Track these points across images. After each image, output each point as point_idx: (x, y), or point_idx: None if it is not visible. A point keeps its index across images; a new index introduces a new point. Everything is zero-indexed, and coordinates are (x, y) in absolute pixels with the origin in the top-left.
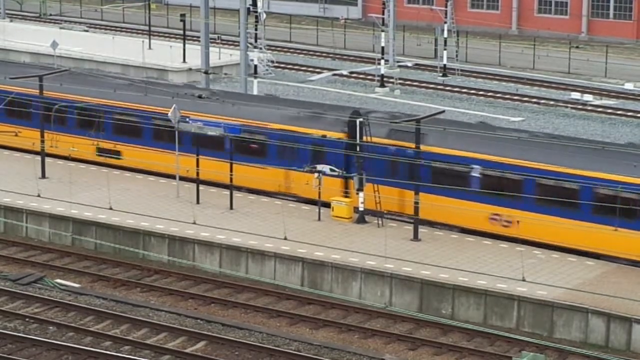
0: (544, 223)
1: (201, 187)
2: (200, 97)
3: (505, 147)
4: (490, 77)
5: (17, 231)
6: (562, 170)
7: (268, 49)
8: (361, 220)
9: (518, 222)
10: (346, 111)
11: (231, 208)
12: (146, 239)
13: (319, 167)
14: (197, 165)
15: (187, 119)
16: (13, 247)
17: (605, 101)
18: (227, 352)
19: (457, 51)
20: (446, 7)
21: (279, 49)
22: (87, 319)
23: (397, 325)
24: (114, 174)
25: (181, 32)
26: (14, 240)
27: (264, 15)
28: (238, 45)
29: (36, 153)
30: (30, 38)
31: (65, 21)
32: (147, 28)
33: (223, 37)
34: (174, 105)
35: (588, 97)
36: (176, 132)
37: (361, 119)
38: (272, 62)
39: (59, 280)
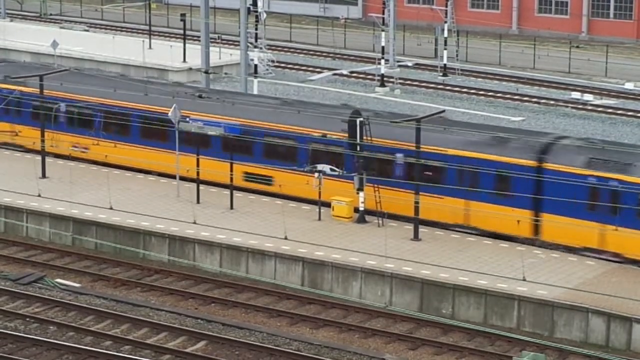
0: None
1: (201, 187)
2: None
3: None
4: (491, 76)
5: (17, 231)
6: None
7: (268, 49)
8: (361, 219)
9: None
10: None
11: (231, 208)
12: (146, 239)
13: (319, 166)
14: (197, 165)
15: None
16: (13, 246)
17: (606, 101)
18: (227, 352)
19: (457, 51)
20: (446, 6)
21: (279, 48)
22: (87, 319)
23: (397, 325)
24: (114, 174)
25: (181, 31)
26: (14, 239)
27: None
28: (238, 45)
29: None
30: (30, 38)
31: (66, 21)
32: (147, 28)
33: (223, 36)
34: (174, 105)
35: (588, 97)
36: (176, 132)
37: (361, 119)
38: (273, 61)
39: (59, 280)
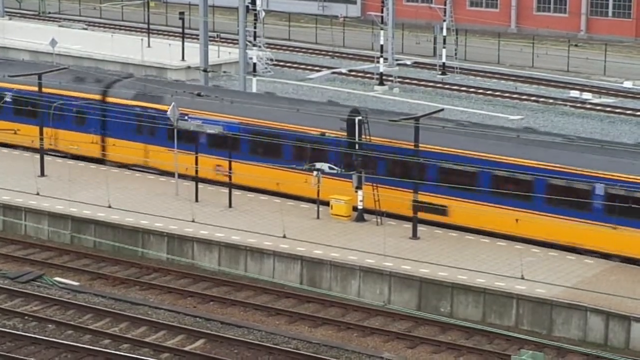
0: None
1: (200, 185)
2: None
3: None
4: (489, 75)
5: (16, 229)
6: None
7: (267, 47)
8: (360, 218)
9: None
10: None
11: (230, 206)
12: (145, 237)
13: (318, 165)
14: (196, 163)
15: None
16: (12, 245)
17: (604, 99)
18: (226, 350)
19: (456, 49)
20: (445, 5)
21: (278, 47)
22: (86, 317)
23: (395, 323)
24: (112, 172)
25: (180, 30)
26: (12, 238)
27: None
28: (237, 43)
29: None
30: (29, 36)
31: (64, 19)
32: (146, 26)
33: (222, 35)
34: (172, 104)
35: (587, 96)
36: (175, 131)
37: (360, 117)
38: (271, 60)
39: (58, 278)
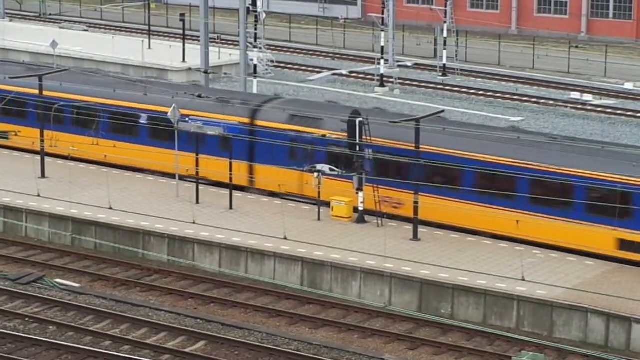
0: None
1: (201, 187)
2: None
3: None
4: (490, 76)
5: (16, 231)
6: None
7: (268, 49)
8: (361, 220)
9: None
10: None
11: (231, 208)
12: (146, 239)
13: (319, 166)
14: (197, 165)
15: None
16: (13, 246)
17: (605, 101)
18: (226, 352)
19: (456, 51)
20: (446, 6)
21: (278, 48)
22: (86, 319)
23: (396, 325)
24: (113, 174)
25: (181, 31)
26: (13, 240)
27: (264, 15)
28: (238, 45)
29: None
30: (30, 38)
31: (65, 21)
32: (146, 28)
33: (223, 36)
34: (173, 105)
35: (588, 97)
36: (176, 132)
37: (361, 119)
38: (272, 61)
39: (58, 280)
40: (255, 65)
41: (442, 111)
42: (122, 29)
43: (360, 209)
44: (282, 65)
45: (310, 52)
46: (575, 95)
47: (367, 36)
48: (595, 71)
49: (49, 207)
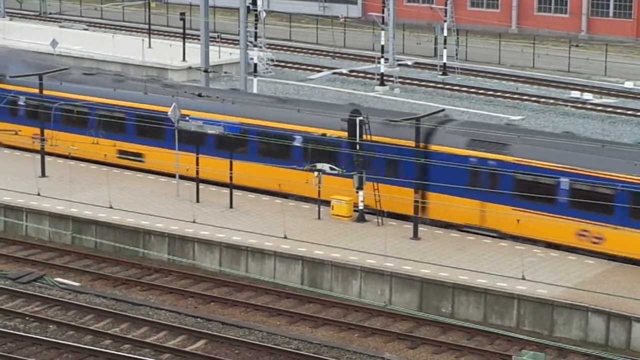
0: None
1: (201, 186)
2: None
3: None
4: (490, 75)
5: (17, 230)
6: None
7: (268, 48)
8: (361, 218)
9: None
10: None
11: (231, 207)
12: (146, 238)
13: (319, 165)
14: (197, 164)
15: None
16: (13, 245)
17: (605, 100)
18: (227, 351)
19: (457, 50)
20: (446, 5)
21: (278, 47)
22: (87, 318)
23: (397, 323)
24: (113, 173)
25: (181, 30)
26: (13, 239)
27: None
28: (238, 44)
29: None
30: (30, 37)
31: (65, 20)
32: (147, 26)
33: (223, 35)
34: (173, 104)
35: (588, 96)
36: (175, 131)
37: (361, 118)
38: (272, 60)
39: (58, 279)
40: (255, 64)
41: (443, 110)
42: (122, 28)
43: (361, 207)
44: (282, 64)
45: (311, 51)
46: (575, 94)
47: (368, 35)
48: (596, 70)
49: (49, 206)
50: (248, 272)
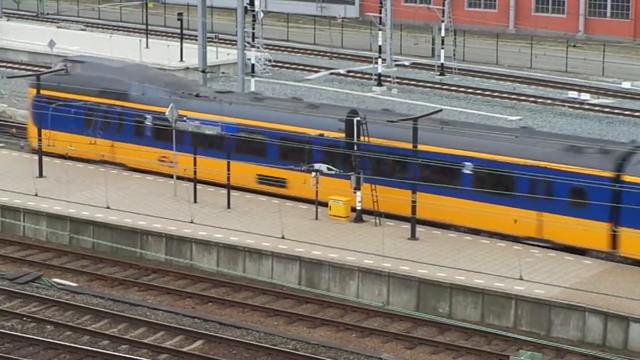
0: None
1: (198, 186)
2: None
3: None
4: (488, 76)
5: (14, 230)
6: None
7: (265, 48)
8: (358, 219)
9: None
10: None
11: (228, 207)
12: (144, 238)
13: (317, 166)
14: (195, 164)
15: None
16: (10, 246)
17: (603, 100)
18: (224, 351)
19: (454, 50)
20: (443, 5)
21: (276, 47)
22: (84, 318)
23: (394, 324)
24: (111, 173)
25: (178, 31)
26: (11, 239)
27: (262, 14)
28: (235, 44)
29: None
30: (27, 37)
31: (63, 20)
32: (144, 27)
33: (220, 36)
34: (171, 105)
35: (585, 96)
36: (173, 132)
37: (358, 118)
38: (270, 61)
39: (56, 280)
40: (253, 65)
41: (440, 110)
42: (120, 28)
43: (358, 208)
44: (279, 64)
45: (308, 52)
46: (572, 94)
47: (365, 35)
48: (593, 70)
49: (47, 206)
50: (245, 272)
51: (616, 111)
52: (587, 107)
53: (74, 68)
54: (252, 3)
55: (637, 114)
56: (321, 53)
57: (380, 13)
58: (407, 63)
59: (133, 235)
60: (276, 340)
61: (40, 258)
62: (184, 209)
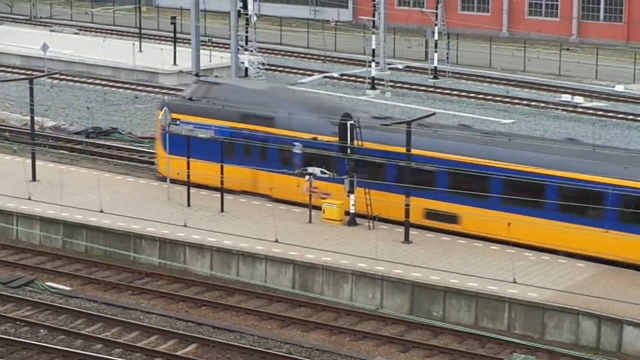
0: None
1: (192, 190)
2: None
3: None
4: (481, 79)
5: (7, 234)
6: None
7: (259, 52)
8: (352, 222)
9: None
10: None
11: (222, 211)
12: (137, 242)
13: (310, 169)
14: (188, 168)
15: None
16: (3, 250)
17: (596, 103)
18: (218, 355)
19: (447, 53)
20: (437, 9)
21: (269, 51)
22: (77, 322)
23: (388, 327)
24: (104, 177)
25: (172, 34)
26: (4, 243)
27: (255, 18)
28: (229, 48)
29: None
30: (20, 41)
31: (56, 24)
32: (137, 31)
33: (214, 39)
34: (164, 108)
35: (579, 99)
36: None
37: (352, 122)
38: (263, 64)
39: (49, 283)
40: (246, 68)
41: (433, 114)
42: (113, 32)
43: (352, 211)
44: (273, 67)
45: (301, 55)
46: (566, 97)
47: (358, 39)
48: (586, 73)
49: (40, 210)
50: (239, 276)
51: (609, 114)
52: (580, 110)
53: (209, 90)
54: (245, 6)
55: (630, 117)
56: (314, 56)
57: (374, 16)
58: (400, 66)
59: (126, 239)
60: (270, 344)
61: (33, 262)
62: (178, 213)
